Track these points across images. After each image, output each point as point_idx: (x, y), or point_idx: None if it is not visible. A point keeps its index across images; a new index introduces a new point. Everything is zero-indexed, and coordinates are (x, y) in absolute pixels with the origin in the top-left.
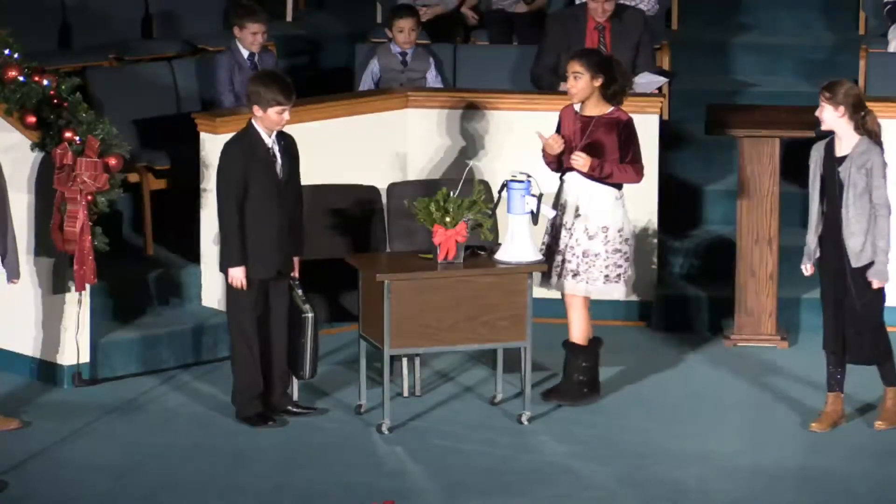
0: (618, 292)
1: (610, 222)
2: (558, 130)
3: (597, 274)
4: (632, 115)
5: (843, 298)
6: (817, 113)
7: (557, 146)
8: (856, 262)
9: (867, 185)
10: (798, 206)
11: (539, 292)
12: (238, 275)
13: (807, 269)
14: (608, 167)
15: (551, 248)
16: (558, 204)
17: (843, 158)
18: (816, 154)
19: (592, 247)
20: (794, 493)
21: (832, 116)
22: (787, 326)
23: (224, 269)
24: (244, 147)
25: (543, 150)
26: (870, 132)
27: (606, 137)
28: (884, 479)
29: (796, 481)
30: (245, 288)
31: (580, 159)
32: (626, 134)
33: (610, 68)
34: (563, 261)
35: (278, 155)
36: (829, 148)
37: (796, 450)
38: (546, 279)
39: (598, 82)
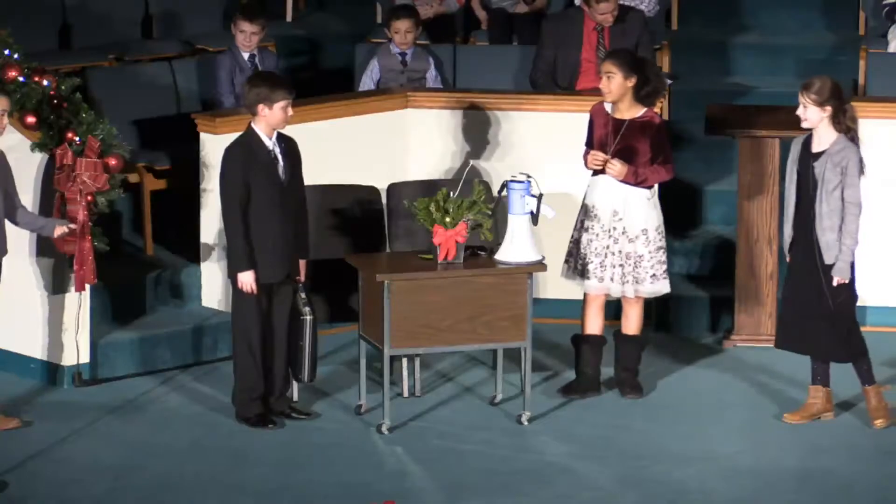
0: (665, 288)
1: (648, 224)
2: (590, 129)
3: (643, 274)
4: None
5: (809, 296)
6: (801, 113)
7: (599, 160)
8: (829, 259)
9: (840, 183)
10: None
11: (539, 292)
12: (248, 279)
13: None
14: (642, 172)
15: (581, 248)
16: (588, 205)
17: (820, 154)
18: (795, 149)
19: (635, 249)
20: (794, 493)
21: (818, 116)
22: None
23: (233, 274)
24: (245, 151)
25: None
26: (847, 128)
27: (640, 141)
28: (884, 479)
29: (796, 481)
30: (255, 292)
31: (615, 168)
32: (660, 136)
33: (643, 69)
34: (607, 264)
35: (280, 157)
36: (807, 143)
37: (796, 450)
38: (579, 277)
39: (631, 82)
